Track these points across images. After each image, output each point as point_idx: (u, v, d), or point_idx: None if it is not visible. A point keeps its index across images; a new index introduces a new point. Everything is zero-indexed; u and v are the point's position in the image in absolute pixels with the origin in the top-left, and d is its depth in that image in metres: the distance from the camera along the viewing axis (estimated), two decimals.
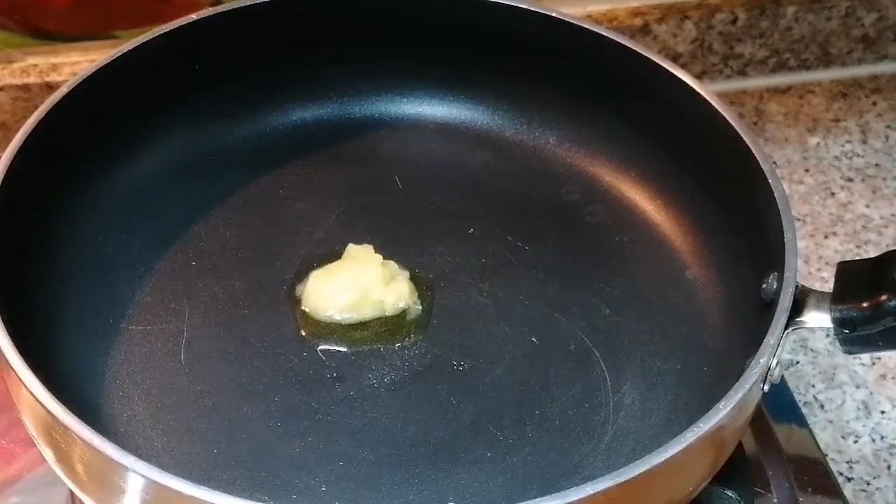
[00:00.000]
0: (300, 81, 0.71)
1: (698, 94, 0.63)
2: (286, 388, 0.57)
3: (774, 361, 0.51)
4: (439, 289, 0.63)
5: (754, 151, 0.59)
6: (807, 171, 0.84)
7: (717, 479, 0.53)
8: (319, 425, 0.56)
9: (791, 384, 0.69)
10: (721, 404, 0.48)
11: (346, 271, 0.62)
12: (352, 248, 0.63)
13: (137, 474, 0.45)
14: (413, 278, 0.63)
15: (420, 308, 0.62)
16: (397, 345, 0.60)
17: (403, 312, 0.61)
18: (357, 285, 0.61)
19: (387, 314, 0.61)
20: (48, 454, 0.51)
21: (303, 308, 0.61)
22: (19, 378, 0.48)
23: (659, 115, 0.66)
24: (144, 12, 0.79)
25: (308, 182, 0.69)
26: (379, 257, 0.62)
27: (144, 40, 0.64)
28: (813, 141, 0.87)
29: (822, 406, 0.69)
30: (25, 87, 0.80)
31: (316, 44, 0.70)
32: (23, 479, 0.60)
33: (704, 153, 0.64)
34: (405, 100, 0.73)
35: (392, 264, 0.63)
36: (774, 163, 0.84)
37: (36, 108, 0.60)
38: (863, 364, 0.71)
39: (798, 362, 0.71)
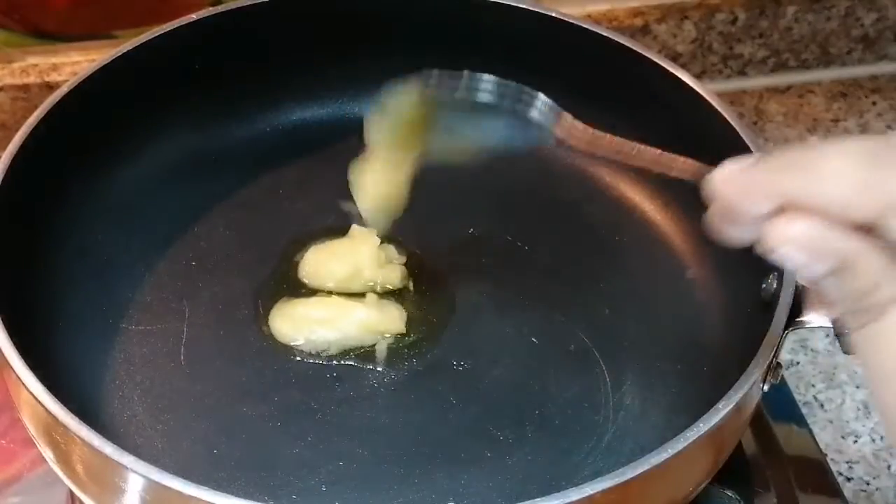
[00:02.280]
0: (300, 81, 0.71)
1: (698, 94, 0.63)
2: (286, 388, 0.57)
3: (774, 361, 0.51)
4: (439, 288, 0.63)
5: (754, 151, 0.58)
6: None
7: (717, 479, 0.53)
8: (319, 425, 0.56)
9: (791, 384, 0.69)
10: (721, 404, 0.48)
11: (343, 247, 0.63)
12: (355, 229, 0.63)
13: (137, 474, 0.45)
14: (413, 277, 0.63)
15: (412, 293, 0.62)
16: (397, 345, 0.60)
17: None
18: (350, 261, 0.61)
19: (378, 292, 0.61)
20: (48, 454, 0.51)
21: (300, 279, 0.62)
22: (19, 378, 0.48)
23: (658, 114, 0.66)
24: (144, 12, 0.79)
25: (308, 182, 0.69)
26: (377, 239, 0.62)
27: (144, 40, 0.64)
28: (813, 141, 0.87)
29: (822, 406, 0.69)
30: (25, 87, 0.80)
31: (316, 44, 0.70)
32: (23, 479, 0.60)
33: (704, 153, 0.64)
34: None
35: (390, 248, 0.63)
36: None
37: (36, 108, 0.60)
38: None
39: (798, 362, 0.71)
